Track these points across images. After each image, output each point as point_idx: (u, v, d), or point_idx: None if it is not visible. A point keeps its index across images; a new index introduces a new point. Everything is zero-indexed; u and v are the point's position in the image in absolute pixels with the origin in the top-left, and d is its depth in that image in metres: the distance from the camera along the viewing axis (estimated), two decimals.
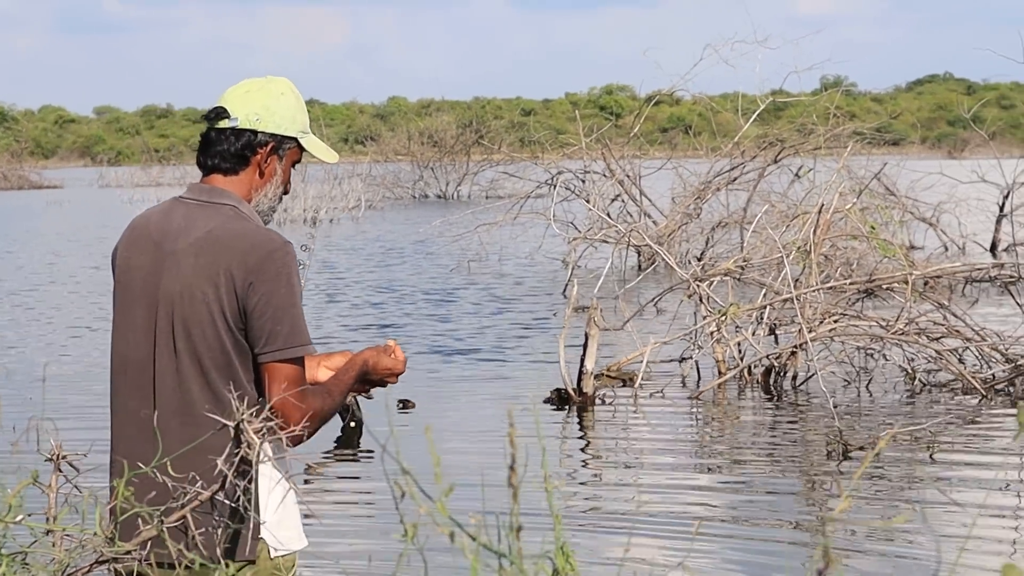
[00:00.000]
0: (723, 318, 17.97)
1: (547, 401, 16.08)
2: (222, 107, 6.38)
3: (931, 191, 24.81)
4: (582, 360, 16.30)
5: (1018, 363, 16.86)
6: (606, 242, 24.44)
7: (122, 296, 6.08)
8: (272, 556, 6.25)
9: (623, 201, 25.96)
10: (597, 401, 16.20)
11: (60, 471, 5.27)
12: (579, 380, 16.24)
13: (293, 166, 6.39)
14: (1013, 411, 15.43)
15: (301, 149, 6.40)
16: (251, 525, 5.97)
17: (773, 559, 10.04)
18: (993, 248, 25.80)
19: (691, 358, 17.93)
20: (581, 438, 14.61)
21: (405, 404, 7.94)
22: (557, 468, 12.80)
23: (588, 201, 26.63)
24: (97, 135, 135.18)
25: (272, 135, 6.28)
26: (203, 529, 5.45)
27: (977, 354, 17.00)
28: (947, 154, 53.55)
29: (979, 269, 23.79)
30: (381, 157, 73.91)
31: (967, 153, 44.11)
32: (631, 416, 15.71)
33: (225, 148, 6.30)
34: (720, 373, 17.08)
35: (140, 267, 6.03)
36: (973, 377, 16.56)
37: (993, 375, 16.67)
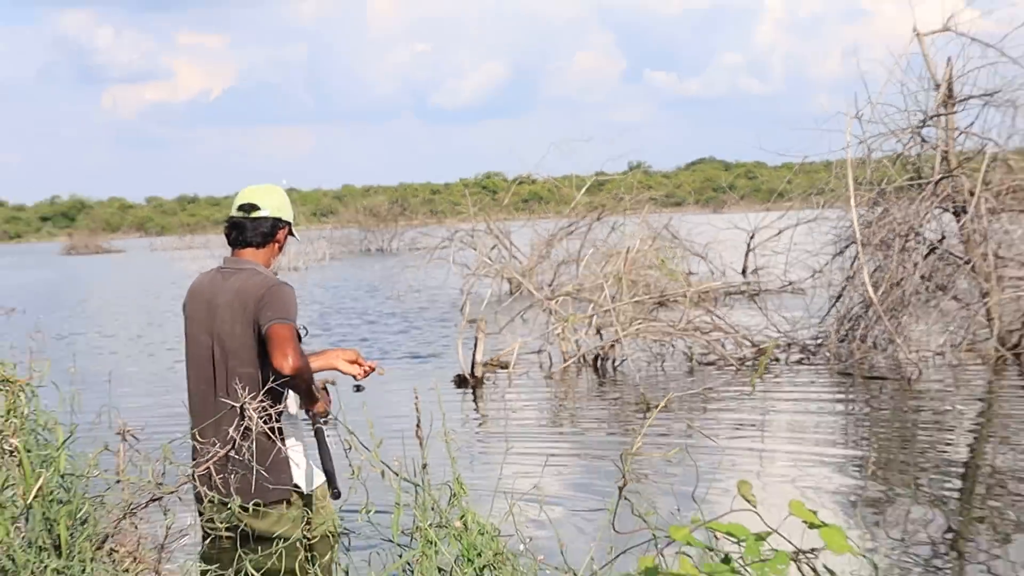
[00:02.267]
0: (566, 324, 18.05)
1: (452, 382, 16.18)
2: (255, 203, 6.97)
3: (701, 235, 24.92)
4: (473, 354, 16.35)
5: (760, 346, 16.99)
6: (488, 276, 24.55)
7: (190, 330, 6.98)
8: (306, 492, 7.04)
9: (499, 249, 25.99)
10: (485, 381, 16.25)
11: (125, 440, 5.30)
12: (472, 367, 16.26)
13: (287, 238, 7.28)
14: (776, 381, 15.54)
15: (290, 228, 7.27)
16: (291, 475, 6.95)
17: (596, 480, 10.17)
18: (744, 272, 25.96)
19: (545, 351, 18.01)
20: (475, 407, 14.62)
21: (359, 388, 8.00)
22: (456, 427, 12.85)
23: (475, 249, 26.79)
24: (147, 215, 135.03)
25: (286, 221, 7.10)
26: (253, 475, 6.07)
27: (733, 342, 17.12)
28: (712, 210, 53.89)
29: (733, 286, 23.98)
30: (339, 224, 75.61)
31: (725, 209, 44.29)
32: (507, 390, 15.73)
33: (259, 230, 6.99)
34: (564, 360, 17.14)
35: (198, 313, 6.92)
36: (731, 357, 16.69)
37: (744, 356, 16.76)
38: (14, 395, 4.67)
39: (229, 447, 5.78)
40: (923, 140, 17.15)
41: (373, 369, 7.70)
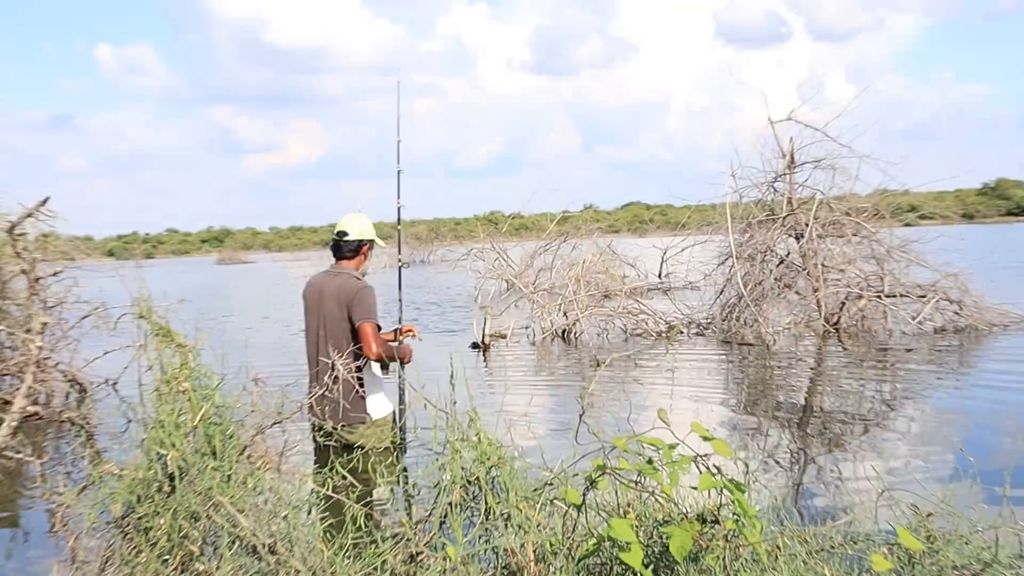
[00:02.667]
0: (543, 309, 18.02)
1: (470, 347, 16.11)
2: (344, 230, 7.13)
3: (631, 252, 24.82)
4: (483, 329, 16.30)
5: (671, 324, 16.97)
6: (492, 279, 24.43)
7: (307, 311, 7.00)
8: (375, 418, 7.04)
9: (499, 260, 25.87)
10: (491, 347, 16.20)
11: (256, 384, 5.29)
12: (483, 338, 16.22)
13: (371, 250, 7.27)
14: (681, 347, 15.49)
15: (373, 243, 7.30)
16: (365, 407, 6.93)
17: (564, 410, 10.12)
18: (660, 275, 25.83)
19: (530, 327, 17.92)
20: (485, 364, 14.56)
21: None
22: (472, 376, 12.83)
23: (484, 261, 26.70)
24: (270, 239, 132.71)
25: (367, 241, 7.21)
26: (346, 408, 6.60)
27: (653, 321, 17.08)
28: (639, 236, 53.50)
29: (652, 284, 23.91)
30: (393, 245, 74.45)
31: (647, 235, 44.07)
32: (505, 353, 15.67)
33: (349, 248, 7.15)
34: (543, 333, 17.08)
35: (312, 299, 6.97)
36: (652, 331, 16.65)
37: (660, 330, 16.72)
38: (185, 355, 4.66)
39: (324, 388, 5.96)
40: (775, 190, 17.21)
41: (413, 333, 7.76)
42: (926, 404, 10.38)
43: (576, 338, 17.12)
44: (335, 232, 7.24)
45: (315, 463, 6.43)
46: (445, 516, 3.91)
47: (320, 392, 6.03)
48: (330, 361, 6.51)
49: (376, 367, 7.14)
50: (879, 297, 16.18)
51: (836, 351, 14.39)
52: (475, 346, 16.27)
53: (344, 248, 7.17)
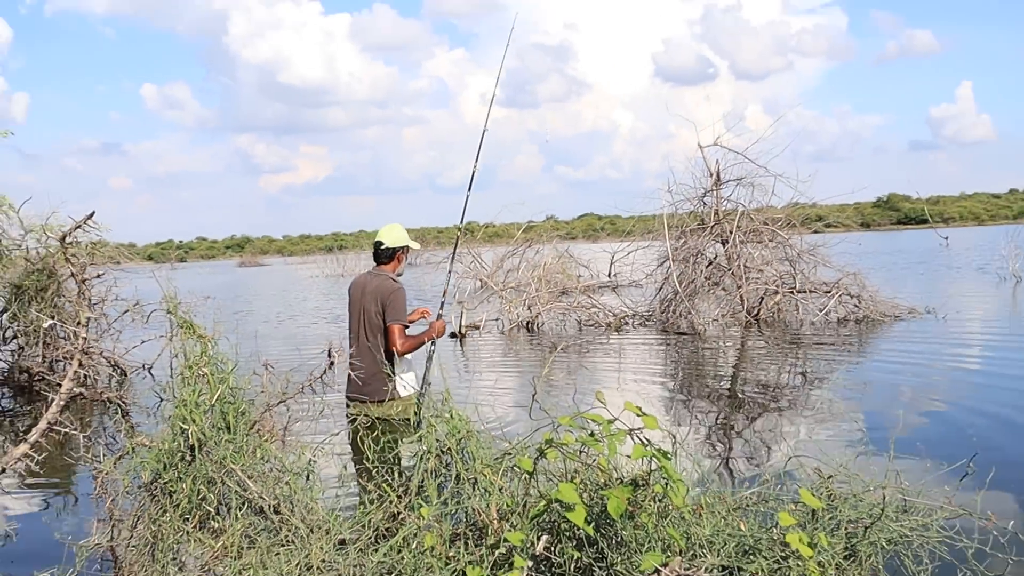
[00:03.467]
0: (511, 304, 18.01)
1: (448, 336, 16.05)
2: (381, 240, 7.17)
3: (585, 255, 24.79)
4: (460, 321, 16.27)
5: (618, 316, 16.98)
6: (469, 278, 24.25)
7: (351, 304, 7.01)
8: (403, 395, 6.98)
9: (475, 263, 25.65)
10: (466, 336, 16.17)
11: (267, 369, 5.25)
12: (460, 328, 16.19)
13: (406, 254, 7.18)
14: (626, 335, 15.46)
15: (408, 249, 7.21)
16: (395, 386, 6.83)
17: (524, 389, 10.09)
18: (609, 275, 25.77)
19: (500, 319, 17.91)
20: (461, 351, 14.52)
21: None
22: (448, 361, 12.78)
23: (462, 263, 26.53)
24: (283, 245, 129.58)
25: (401, 248, 7.18)
26: (376, 386, 6.70)
27: (603, 314, 17.06)
28: (592, 242, 53.34)
29: (603, 283, 23.88)
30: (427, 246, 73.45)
31: (599, 241, 44.03)
32: (479, 341, 15.64)
33: (385, 255, 7.13)
34: (510, 324, 17.07)
35: (355, 295, 7.01)
36: (602, 322, 16.65)
37: (609, 322, 16.70)
38: (204, 344, 4.62)
39: (360, 370, 6.10)
40: (704, 204, 17.18)
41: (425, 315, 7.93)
42: (832, 382, 10.42)
43: (538, 328, 17.05)
44: (374, 241, 7.37)
45: (348, 436, 6.50)
46: (423, 481, 3.89)
47: (356, 372, 6.53)
48: (368, 346, 6.83)
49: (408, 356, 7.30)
50: (792, 293, 16.26)
51: (757, 338, 14.44)
52: (453, 336, 16.18)
53: (382, 255, 7.24)
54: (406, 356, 7.11)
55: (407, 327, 7.09)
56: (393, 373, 6.86)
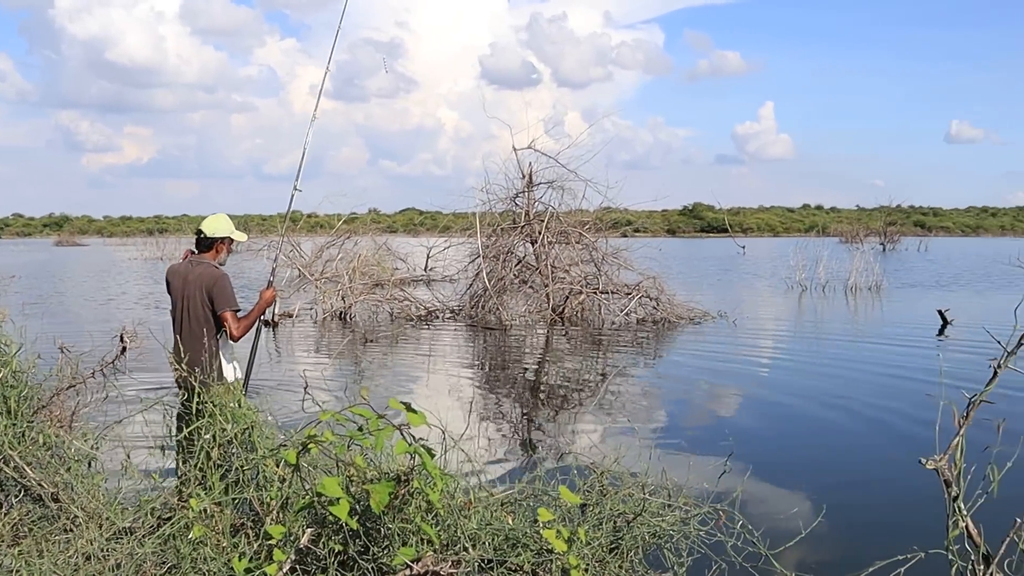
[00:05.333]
0: (325, 294, 17.75)
1: (262, 323, 15.64)
2: (201, 229, 6.89)
3: (403, 249, 24.71)
4: (274, 310, 15.89)
5: (429, 309, 16.96)
6: (287, 267, 23.60)
7: (172, 293, 6.67)
8: (229, 381, 6.56)
9: (295, 251, 24.95)
10: (279, 325, 15.81)
11: (63, 352, 4.92)
12: (273, 316, 15.80)
13: (230, 245, 6.88)
14: (436, 328, 15.43)
15: (231, 240, 6.89)
16: (220, 372, 6.48)
17: (329, 380, 9.90)
18: (424, 268, 25.74)
19: (314, 308, 17.58)
20: (274, 339, 14.19)
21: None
22: (262, 347, 12.49)
23: (280, 251, 25.87)
24: (103, 226, 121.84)
25: (221, 238, 6.85)
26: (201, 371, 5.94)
27: (415, 307, 17.06)
28: (412, 236, 53.07)
29: (417, 276, 23.87)
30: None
31: (419, 235, 43.91)
32: (292, 330, 15.32)
33: (204, 244, 6.86)
34: (324, 314, 16.80)
35: (176, 283, 6.68)
36: (413, 315, 16.58)
37: (421, 314, 16.67)
38: None
39: (185, 357, 5.80)
40: (517, 204, 17.41)
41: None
42: (629, 378, 10.71)
43: (351, 319, 16.87)
44: (197, 230, 7.16)
45: (177, 419, 6.24)
46: (203, 470, 3.74)
47: (184, 358, 6.01)
48: (193, 333, 6.52)
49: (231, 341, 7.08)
50: (595, 293, 16.66)
51: (561, 335, 14.70)
52: (266, 324, 15.74)
53: (200, 244, 6.98)
54: (230, 343, 6.92)
55: (238, 311, 6.94)
56: (218, 358, 6.63)
